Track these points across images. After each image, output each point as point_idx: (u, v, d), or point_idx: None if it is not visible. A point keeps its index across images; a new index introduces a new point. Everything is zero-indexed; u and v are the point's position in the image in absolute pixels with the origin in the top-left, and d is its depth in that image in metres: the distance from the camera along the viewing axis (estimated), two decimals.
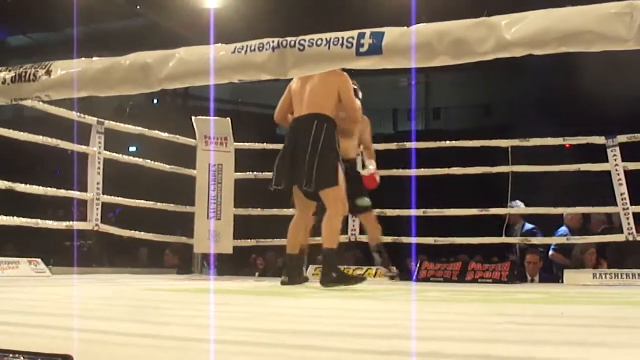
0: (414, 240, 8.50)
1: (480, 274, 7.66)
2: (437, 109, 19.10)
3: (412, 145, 8.76)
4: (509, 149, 8.18)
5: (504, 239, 8.26)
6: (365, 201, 7.17)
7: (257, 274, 11.28)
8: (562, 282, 7.67)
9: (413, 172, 8.60)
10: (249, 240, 9.20)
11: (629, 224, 7.66)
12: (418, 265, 8.24)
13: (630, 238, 7.66)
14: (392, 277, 7.49)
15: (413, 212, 8.60)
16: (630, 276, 7.27)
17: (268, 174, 8.97)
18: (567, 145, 9.48)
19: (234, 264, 10.96)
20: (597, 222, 9.20)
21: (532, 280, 8.46)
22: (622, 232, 7.74)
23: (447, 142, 8.65)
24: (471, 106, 19.04)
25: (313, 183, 5.95)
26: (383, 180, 8.70)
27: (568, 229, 9.17)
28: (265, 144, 9.20)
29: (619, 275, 7.36)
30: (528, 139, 8.22)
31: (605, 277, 7.36)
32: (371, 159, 7.26)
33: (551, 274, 9.05)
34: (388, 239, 8.50)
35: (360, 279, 6.18)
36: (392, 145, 8.85)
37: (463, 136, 9.14)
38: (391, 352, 2.16)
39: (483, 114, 18.90)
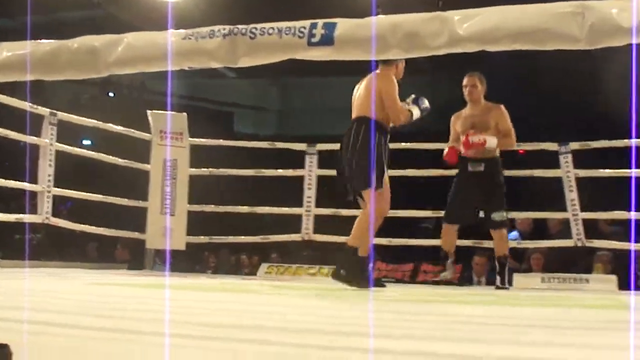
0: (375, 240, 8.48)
1: (432, 276, 7.69)
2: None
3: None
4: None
5: (459, 242, 8.27)
6: (503, 216, 6.83)
7: (209, 271, 11.22)
8: (512, 285, 7.70)
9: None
10: (202, 237, 9.14)
11: (577, 229, 7.72)
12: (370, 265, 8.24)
13: (580, 244, 7.73)
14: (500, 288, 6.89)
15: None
16: (578, 280, 7.35)
17: (223, 171, 8.99)
18: (521, 152, 9.54)
19: (186, 261, 10.89)
20: (555, 223, 9.27)
21: (479, 282, 8.53)
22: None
23: (404, 143, 8.66)
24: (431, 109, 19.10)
25: (351, 186, 6.13)
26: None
27: (519, 233, 9.23)
28: (221, 140, 9.15)
29: (568, 280, 7.43)
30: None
31: (554, 281, 7.42)
32: (493, 139, 6.75)
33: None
34: (342, 238, 8.49)
35: (367, 283, 5.93)
36: None
37: (421, 139, 9.15)
38: (336, 347, 2.17)
39: (438, 117, 18.91)
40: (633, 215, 7.22)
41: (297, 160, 8.76)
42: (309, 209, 8.51)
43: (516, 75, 16.80)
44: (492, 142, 6.65)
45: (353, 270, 5.93)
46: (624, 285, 7.83)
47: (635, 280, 9.20)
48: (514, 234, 9.30)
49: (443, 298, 5.29)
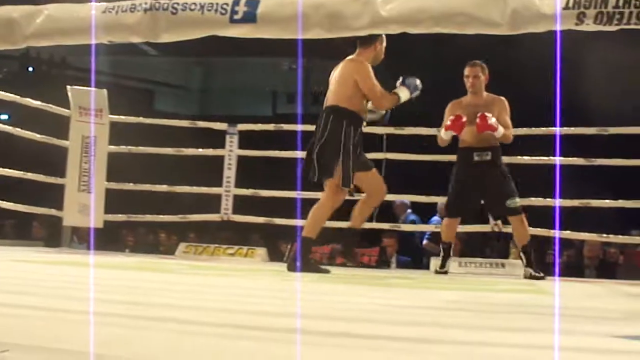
0: (292, 222, 8.49)
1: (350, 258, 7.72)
2: (317, 94, 19.10)
3: (297, 127, 8.73)
4: (384, 137, 8.23)
5: (373, 225, 8.31)
6: (517, 202, 6.62)
7: (127, 250, 11.10)
8: (429, 269, 7.79)
9: (299, 154, 8.50)
10: (120, 215, 9.04)
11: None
12: (289, 247, 8.26)
13: (496, 229, 7.82)
14: (535, 277, 6.55)
15: (295, 194, 8.56)
16: (495, 265, 7.46)
17: (143, 149, 8.89)
18: None
19: (104, 239, 10.76)
20: (400, 206, 9.38)
21: (390, 263, 8.63)
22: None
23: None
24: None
25: (315, 174, 5.98)
26: (260, 162, 8.70)
27: (441, 218, 9.30)
28: (141, 118, 9.05)
29: (484, 264, 7.54)
30: (403, 127, 8.29)
31: (471, 266, 7.51)
32: (498, 128, 6.53)
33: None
34: (260, 219, 8.49)
35: (324, 270, 5.95)
36: (270, 127, 8.82)
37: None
38: (254, 327, 2.17)
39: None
40: (557, 202, 7.33)
41: (217, 140, 8.71)
42: (228, 189, 8.48)
43: (439, 62, 16.95)
44: (500, 130, 6.50)
45: (306, 260, 5.91)
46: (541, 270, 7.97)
47: (547, 264, 9.39)
48: (435, 219, 9.40)
49: (362, 280, 5.32)
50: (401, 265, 8.93)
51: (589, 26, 1.81)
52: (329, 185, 5.96)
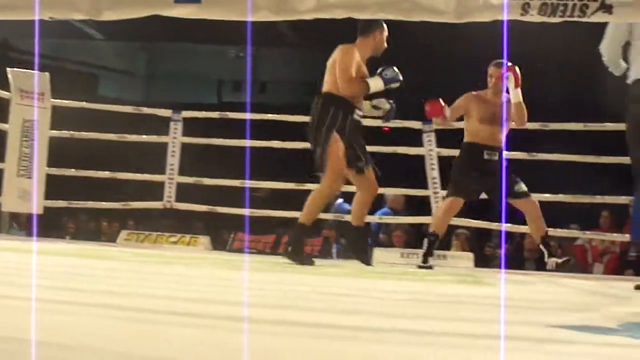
0: (235, 211, 8.47)
1: None
2: (264, 83, 19.07)
3: (243, 116, 8.70)
4: None
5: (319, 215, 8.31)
6: (523, 186, 6.59)
7: (68, 237, 10.98)
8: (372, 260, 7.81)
9: (247, 142, 8.45)
10: (61, 201, 8.92)
11: (438, 207, 7.86)
12: (232, 236, 8.24)
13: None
14: (562, 263, 6.59)
15: (239, 182, 8.52)
16: (437, 257, 7.48)
17: (85, 134, 8.78)
18: (386, 129, 9.65)
19: (44, 226, 10.63)
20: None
21: (332, 253, 8.66)
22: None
23: (271, 115, 8.64)
24: (298, 83, 19.12)
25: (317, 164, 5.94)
26: (206, 150, 8.65)
27: (391, 210, 9.32)
28: (84, 102, 8.93)
29: None
30: None
31: (413, 257, 7.54)
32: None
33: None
34: (203, 207, 8.45)
35: (309, 261, 5.92)
36: (215, 114, 8.76)
37: (288, 112, 9.14)
38: (198, 315, 2.16)
39: (309, 91, 18.99)
40: (504, 194, 7.37)
41: (161, 126, 8.63)
42: (171, 177, 8.42)
43: (388, 52, 17.00)
44: (518, 93, 6.49)
45: (296, 247, 5.92)
46: (480, 262, 8.07)
47: (486, 257, 9.50)
48: (384, 210, 9.41)
49: (305, 270, 5.32)
50: (341, 255, 8.94)
51: (534, 17, 1.81)
52: (325, 175, 5.93)
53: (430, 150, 7.94)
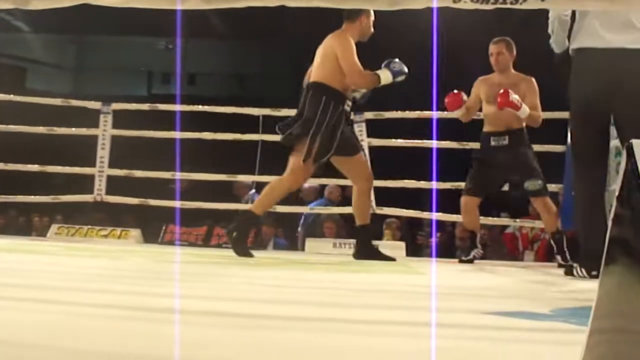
0: (166, 203, 8.42)
1: (225, 239, 7.71)
2: (192, 75, 18.96)
3: (173, 108, 8.65)
4: (260, 118, 8.22)
5: (250, 206, 8.28)
6: (538, 184, 6.36)
7: None
8: (304, 250, 7.85)
9: (176, 134, 8.39)
10: None
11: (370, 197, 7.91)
12: (163, 228, 8.19)
13: (370, 211, 7.91)
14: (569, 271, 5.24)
15: (170, 175, 8.47)
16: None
17: (13, 127, 8.63)
18: None
19: None
20: (241, 186, 9.38)
21: (266, 247, 8.68)
22: None
23: (201, 106, 8.59)
24: (226, 75, 19.07)
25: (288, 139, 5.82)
26: (134, 143, 8.56)
27: (329, 201, 9.33)
28: (12, 95, 8.77)
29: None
30: (279, 109, 8.30)
31: (345, 247, 7.58)
32: (526, 107, 6.18)
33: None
34: (134, 200, 8.37)
35: (248, 253, 5.72)
36: (145, 106, 8.68)
37: (218, 104, 9.10)
38: (132, 307, 2.15)
39: (238, 84, 18.98)
40: (434, 185, 7.43)
41: (91, 119, 8.53)
42: (101, 170, 8.33)
43: (316, 43, 17.04)
44: (525, 109, 6.13)
45: (242, 235, 5.83)
46: (411, 251, 8.14)
47: (417, 246, 9.59)
48: (322, 201, 9.42)
49: (239, 261, 5.32)
50: (278, 247, 8.96)
51: (467, 4, 1.81)
52: (292, 161, 5.82)
53: (361, 141, 7.96)
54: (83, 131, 8.61)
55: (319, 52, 5.95)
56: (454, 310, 2.44)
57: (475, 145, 6.99)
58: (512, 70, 6.58)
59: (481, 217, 6.98)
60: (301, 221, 9.63)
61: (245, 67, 19.02)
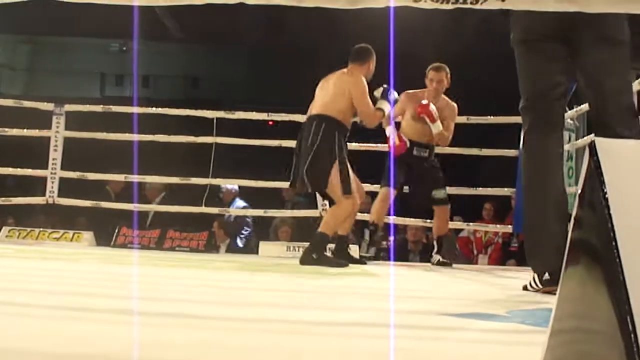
0: (119, 206, 8.36)
1: (178, 242, 7.68)
2: (146, 77, 18.86)
3: (127, 109, 8.58)
4: (215, 121, 8.19)
5: (203, 209, 8.27)
6: (442, 193, 6.92)
7: None
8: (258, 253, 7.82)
9: (135, 137, 8.29)
10: None
11: (323, 201, 7.88)
12: (116, 231, 8.12)
13: (325, 214, 7.91)
14: (444, 264, 6.86)
15: (123, 177, 8.41)
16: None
17: None
18: (270, 123, 9.69)
19: None
20: (153, 190, 9.34)
21: (219, 248, 8.65)
22: None
23: (155, 109, 8.55)
24: (180, 77, 19.00)
25: (307, 184, 5.96)
26: (87, 144, 8.48)
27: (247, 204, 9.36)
28: None
29: None
30: (234, 111, 8.28)
31: (299, 250, 7.57)
32: (436, 121, 6.75)
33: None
34: (87, 203, 8.30)
35: (340, 264, 5.84)
36: (98, 108, 8.60)
37: (171, 106, 9.06)
38: (85, 309, 2.14)
39: (191, 86, 18.92)
40: (392, 190, 7.44)
41: (44, 121, 8.43)
42: (54, 172, 8.24)
43: (270, 47, 17.02)
44: (438, 125, 6.71)
45: (320, 254, 5.88)
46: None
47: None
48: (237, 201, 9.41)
49: (193, 264, 5.29)
50: (231, 250, 8.94)
51: (427, 3, 1.81)
52: (333, 192, 5.95)
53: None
54: (35, 133, 8.51)
55: (330, 87, 6.12)
56: (412, 311, 2.45)
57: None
58: (442, 95, 6.98)
59: (428, 221, 7.11)
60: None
61: (198, 70, 18.98)
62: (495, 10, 2.01)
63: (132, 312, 2.05)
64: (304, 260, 5.76)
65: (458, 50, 10.81)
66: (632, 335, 1.00)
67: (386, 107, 6.15)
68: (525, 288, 3.50)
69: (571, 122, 7.29)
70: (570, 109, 6.97)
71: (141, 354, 1.40)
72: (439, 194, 6.89)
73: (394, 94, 6.24)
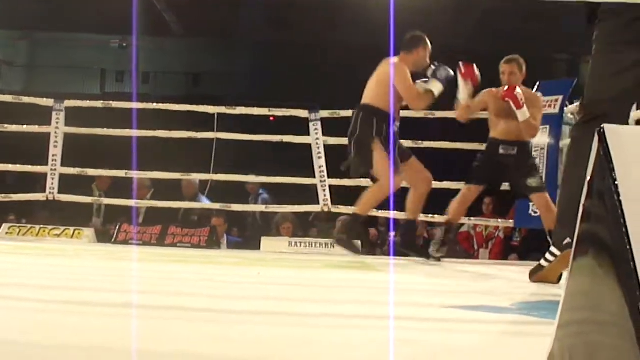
0: (120, 202, 8.35)
1: (180, 239, 7.66)
2: (146, 74, 18.87)
3: (127, 105, 8.56)
4: (216, 116, 8.18)
5: (203, 205, 8.26)
6: (538, 181, 6.38)
7: None
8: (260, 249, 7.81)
9: (135, 132, 8.28)
10: None
11: (325, 195, 7.90)
12: (117, 227, 8.10)
13: (326, 209, 7.91)
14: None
15: (124, 173, 8.40)
16: (324, 245, 7.52)
17: None
18: (272, 118, 9.68)
19: None
20: (142, 187, 9.33)
21: (220, 243, 8.63)
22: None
23: (156, 104, 8.53)
24: (181, 74, 19.01)
25: (356, 169, 6.13)
26: (89, 140, 8.47)
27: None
28: None
29: (314, 244, 7.60)
30: (235, 107, 8.27)
31: (301, 246, 7.57)
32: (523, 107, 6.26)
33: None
34: (88, 199, 8.29)
35: (360, 251, 6.16)
36: (98, 104, 8.58)
37: (172, 102, 9.04)
38: (86, 303, 2.13)
39: (192, 83, 18.94)
40: (391, 185, 7.42)
41: (44, 117, 8.41)
42: (54, 168, 8.22)
43: (271, 43, 17.04)
44: (525, 112, 6.22)
45: (351, 236, 6.13)
46: (366, 249, 8.14)
47: (372, 244, 9.60)
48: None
49: (195, 260, 5.29)
50: (231, 245, 8.93)
51: None
52: (379, 176, 6.04)
53: (317, 139, 7.95)
54: (35, 129, 8.49)
55: (375, 76, 6.16)
56: (418, 304, 2.44)
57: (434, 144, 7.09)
58: (521, 86, 6.52)
59: (435, 216, 6.98)
60: None
61: (198, 66, 18.99)
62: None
63: (134, 306, 2.04)
64: (338, 241, 6.32)
65: (460, 46, 10.83)
66: None
67: (436, 87, 6.09)
68: (532, 273, 3.51)
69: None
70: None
71: (144, 346, 1.39)
72: (533, 181, 6.39)
73: (446, 71, 6.11)
